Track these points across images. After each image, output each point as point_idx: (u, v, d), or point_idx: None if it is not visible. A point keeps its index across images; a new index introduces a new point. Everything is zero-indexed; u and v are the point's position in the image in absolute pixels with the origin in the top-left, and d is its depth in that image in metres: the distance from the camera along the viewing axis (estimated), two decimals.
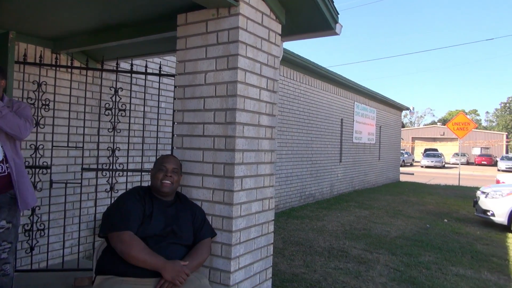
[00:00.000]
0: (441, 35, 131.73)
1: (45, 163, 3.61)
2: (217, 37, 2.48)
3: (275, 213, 7.42)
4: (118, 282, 1.90)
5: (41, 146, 3.68)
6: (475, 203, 8.41)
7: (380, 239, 6.25)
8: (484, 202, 7.91)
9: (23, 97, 3.57)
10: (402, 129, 20.54)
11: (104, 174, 3.85)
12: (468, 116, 17.66)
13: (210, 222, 2.38)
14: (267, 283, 2.71)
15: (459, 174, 17.97)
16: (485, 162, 40.16)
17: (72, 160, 4.07)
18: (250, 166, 2.50)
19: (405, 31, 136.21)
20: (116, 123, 3.82)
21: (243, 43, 2.42)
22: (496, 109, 73.62)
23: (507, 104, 68.44)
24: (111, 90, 4.07)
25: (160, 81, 4.03)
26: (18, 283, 3.12)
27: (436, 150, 41.31)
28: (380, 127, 15.34)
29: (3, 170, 2.43)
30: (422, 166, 34.76)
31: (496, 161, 37.87)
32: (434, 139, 50.11)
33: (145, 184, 4.45)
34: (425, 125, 68.11)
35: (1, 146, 2.43)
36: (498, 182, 11.37)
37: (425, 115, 78.61)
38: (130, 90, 3.92)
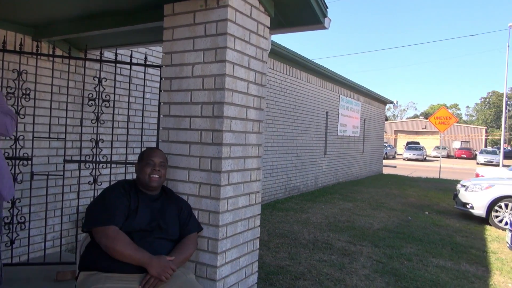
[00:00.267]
0: (425, 31, 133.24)
1: (25, 154, 3.52)
2: (205, 29, 2.43)
3: None
4: (103, 278, 1.87)
5: (21, 137, 3.58)
6: (455, 196, 8.60)
7: (364, 231, 6.34)
8: (464, 195, 8.09)
9: (2, 86, 3.46)
10: (385, 122, 20.78)
11: (87, 166, 3.77)
12: (449, 110, 17.95)
13: (197, 217, 2.36)
14: (253, 277, 2.71)
15: (440, 167, 18.34)
16: (464, 156, 41.08)
17: (53, 152, 3.98)
18: (238, 160, 2.48)
19: (390, 26, 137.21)
20: (99, 114, 3.74)
21: (231, 36, 2.39)
22: (476, 104, 75.23)
23: (487, 99, 69.94)
24: (94, 80, 3.98)
25: (146, 72, 3.95)
26: None
27: (418, 143, 42.01)
28: (364, 120, 15.49)
29: None
30: (404, 159, 35.33)
31: (475, 154, 38.77)
32: (416, 132, 50.94)
33: (129, 176, 4.42)
34: (407, 118, 69.14)
35: None
36: (477, 175, 11.64)
37: (408, 108, 79.90)
38: (115, 80, 3.83)
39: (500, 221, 7.46)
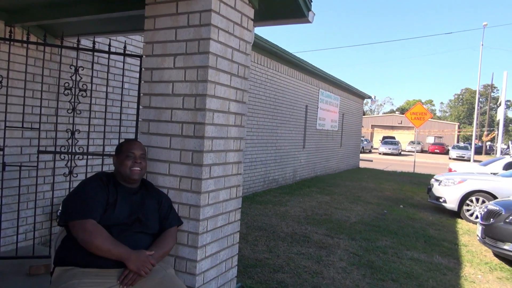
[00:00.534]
0: (404, 28, 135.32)
1: None
2: (188, 19, 2.38)
3: None
4: (79, 274, 1.82)
5: None
6: (429, 190, 8.84)
7: (341, 224, 6.44)
8: (437, 189, 8.33)
9: None
10: (362, 116, 21.09)
11: (62, 157, 3.67)
12: (424, 106, 18.36)
13: (177, 211, 2.33)
14: (233, 271, 2.70)
15: (414, 162, 18.79)
16: (438, 151, 42.21)
17: (27, 142, 3.84)
18: (219, 154, 2.46)
19: (369, 22, 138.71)
20: (76, 104, 3.62)
21: (215, 27, 2.34)
22: (450, 100, 77.28)
23: (460, 96, 71.91)
24: (71, 68, 3.85)
25: (124, 61, 3.85)
26: None
27: (393, 138, 42.87)
28: (343, 114, 15.66)
29: None
30: (380, 153, 36.00)
31: (448, 149, 39.90)
32: (392, 127, 51.92)
33: (106, 168, 4.32)
34: (384, 113, 70.35)
35: None
36: (450, 170, 11.99)
37: (384, 103, 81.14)
38: (92, 69, 3.72)
39: (471, 215, 7.72)
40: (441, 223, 7.23)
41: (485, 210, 5.56)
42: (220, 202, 2.50)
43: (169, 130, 2.42)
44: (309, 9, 3.03)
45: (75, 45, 3.59)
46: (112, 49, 4.43)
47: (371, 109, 76.71)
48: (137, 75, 4.96)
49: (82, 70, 3.87)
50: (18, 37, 3.74)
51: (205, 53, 2.32)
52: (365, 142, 36.78)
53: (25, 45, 3.67)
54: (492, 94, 49.30)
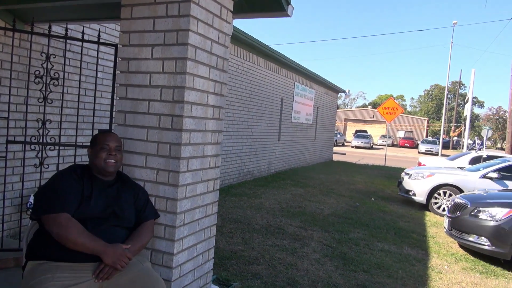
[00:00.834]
0: (376, 23, 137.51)
1: None
2: (166, 9, 2.34)
3: None
4: (53, 268, 1.78)
5: None
6: (399, 183, 9.10)
7: (314, 216, 6.54)
8: (407, 183, 8.59)
9: None
10: (336, 110, 21.38)
11: (33, 147, 3.54)
12: (396, 101, 18.83)
13: (153, 204, 2.30)
14: (209, 263, 2.71)
15: (385, 155, 19.26)
16: (407, 145, 43.43)
17: None
18: (197, 146, 2.44)
19: (342, 16, 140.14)
20: (47, 93, 3.50)
21: (194, 18, 2.31)
22: (420, 96, 79.36)
23: (430, 92, 73.98)
24: (42, 56, 3.71)
25: (98, 50, 3.74)
26: None
27: (365, 131, 43.75)
28: (317, 108, 15.83)
29: None
30: (352, 146, 36.69)
31: (417, 144, 41.12)
32: (364, 121, 52.93)
33: (78, 159, 4.21)
34: (357, 107, 71.59)
35: None
36: (420, 164, 12.35)
37: (357, 98, 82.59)
38: (64, 57, 3.60)
39: (439, 208, 8.02)
40: (410, 216, 7.47)
41: (452, 203, 5.79)
42: (198, 195, 2.49)
43: (146, 122, 2.38)
44: (288, 3, 3.03)
45: (46, 32, 3.45)
46: (85, 37, 4.29)
47: (344, 103, 77.88)
48: (111, 64, 4.84)
49: (53, 58, 3.74)
50: None
51: (184, 44, 2.29)
52: (338, 136, 37.36)
53: None
54: (460, 90, 50.99)
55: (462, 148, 28.52)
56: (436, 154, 28.35)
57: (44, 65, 3.42)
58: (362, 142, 36.70)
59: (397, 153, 32.24)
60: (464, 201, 5.52)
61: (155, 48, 2.37)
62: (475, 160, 11.03)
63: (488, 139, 26.29)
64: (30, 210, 3.73)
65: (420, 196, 8.25)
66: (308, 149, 15.26)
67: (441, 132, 28.79)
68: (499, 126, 53.65)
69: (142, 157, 2.38)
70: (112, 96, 3.56)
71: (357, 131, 43.70)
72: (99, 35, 3.54)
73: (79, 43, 4.15)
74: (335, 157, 20.45)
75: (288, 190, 8.96)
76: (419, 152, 34.21)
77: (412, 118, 55.22)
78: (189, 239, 2.43)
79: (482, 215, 5.14)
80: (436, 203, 8.10)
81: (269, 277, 3.80)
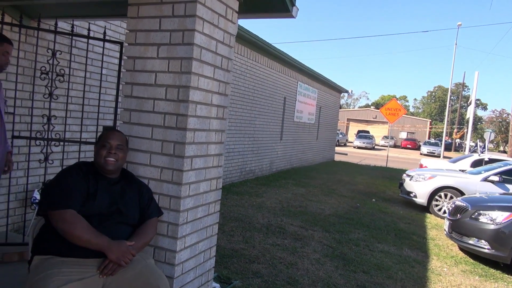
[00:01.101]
0: (380, 23, 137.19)
1: None
2: (172, 9, 2.36)
3: None
4: (59, 263, 1.81)
5: None
6: (401, 184, 9.11)
7: (315, 216, 6.57)
8: (409, 184, 8.60)
9: None
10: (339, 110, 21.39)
11: (38, 143, 3.58)
12: (398, 102, 18.81)
13: (157, 201, 2.33)
14: (211, 261, 2.74)
15: (387, 156, 19.25)
16: (410, 146, 43.39)
17: None
18: (201, 146, 2.47)
19: (346, 16, 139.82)
20: (53, 89, 3.54)
21: (200, 18, 2.33)
22: (423, 97, 79.21)
23: (433, 93, 73.83)
24: (48, 52, 3.74)
25: (104, 47, 3.77)
26: None
27: (368, 132, 43.73)
28: (320, 107, 15.84)
29: None
30: (354, 147, 36.68)
31: (420, 145, 41.07)
32: (367, 122, 52.87)
33: (83, 155, 4.24)
34: (359, 107, 71.49)
35: None
36: (421, 166, 12.36)
37: (360, 98, 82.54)
38: (70, 54, 3.64)
39: (439, 210, 8.03)
40: (411, 217, 7.49)
41: (453, 205, 5.80)
42: (201, 194, 2.51)
43: (151, 120, 2.40)
44: (293, 4, 3.05)
45: (53, 28, 3.48)
46: (91, 34, 4.32)
47: (347, 103, 77.81)
48: (115, 60, 4.87)
49: (60, 54, 3.77)
50: None
51: (190, 44, 2.31)
52: (340, 136, 37.35)
53: None
54: (463, 92, 50.88)
55: (464, 151, 28.47)
56: (438, 156, 28.34)
57: (50, 61, 3.45)
58: (364, 143, 36.68)
59: (399, 154, 32.20)
60: (464, 204, 5.53)
61: (161, 48, 2.39)
62: (476, 163, 11.03)
63: (491, 141, 26.23)
64: (34, 205, 3.77)
65: (421, 198, 8.26)
66: (310, 149, 15.28)
67: (444, 134, 28.77)
68: (502, 128, 53.46)
69: (147, 155, 2.40)
70: (117, 93, 3.59)
71: (359, 132, 43.66)
72: (104, 32, 3.56)
73: (84, 40, 4.18)
74: (337, 157, 20.46)
75: (290, 190, 8.98)
76: (421, 154, 34.18)
77: (414, 119, 55.14)
78: (191, 237, 2.45)
79: (482, 218, 5.15)
80: (437, 205, 8.11)
81: (269, 276, 3.83)
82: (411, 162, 22.83)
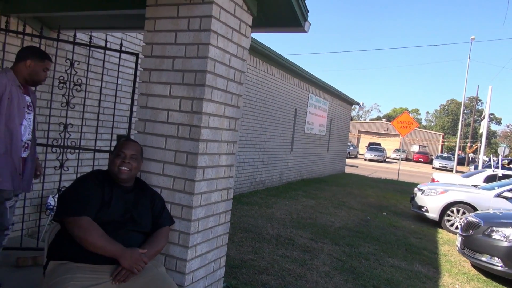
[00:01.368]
0: (394, 36, 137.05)
1: None
2: (188, 24, 2.43)
3: None
4: (73, 268, 1.85)
5: None
6: (412, 198, 9.02)
7: (325, 229, 6.54)
8: (420, 199, 8.51)
9: None
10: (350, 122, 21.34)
11: (54, 150, 3.66)
12: (410, 115, 18.71)
13: (169, 210, 2.37)
14: (221, 271, 2.76)
15: (399, 169, 19.08)
16: (422, 160, 42.92)
17: None
18: (213, 156, 2.51)
19: (361, 29, 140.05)
20: (70, 98, 3.63)
21: (215, 33, 2.40)
22: (436, 110, 78.50)
23: (446, 107, 73.15)
24: (66, 62, 3.85)
25: (120, 57, 3.87)
26: None
27: (379, 144, 43.40)
28: (331, 119, 15.83)
29: None
30: (365, 159, 36.41)
31: (432, 159, 40.59)
32: (378, 134, 52.54)
33: (96, 162, 4.33)
34: (371, 119, 71.15)
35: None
36: (433, 180, 12.22)
37: (371, 110, 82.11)
38: (88, 64, 3.73)
39: (451, 225, 7.92)
40: (422, 232, 7.40)
41: (465, 221, 5.73)
42: (212, 204, 2.55)
43: (165, 131, 2.46)
44: (305, 19, 3.10)
45: (71, 39, 3.59)
46: (108, 45, 4.43)
47: (358, 115, 77.51)
48: (130, 71, 4.98)
49: (77, 64, 3.88)
50: (13, 27, 3.72)
51: (204, 57, 2.37)
52: (351, 148, 37.16)
53: (20, 35, 3.66)
54: (477, 106, 50.32)
55: (476, 165, 28.06)
56: (451, 170, 27.97)
57: (68, 71, 3.55)
58: (375, 155, 36.41)
59: (411, 167, 31.88)
60: (477, 220, 5.46)
61: (176, 60, 2.46)
62: (490, 178, 10.87)
63: (505, 156, 25.81)
64: (49, 211, 3.85)
65: (433, 213, 8.16)
66: (321, 161, 15.24)
67: (457, 148, 28.42)
68: None
69: (160, 165, 2.46)
70: (132, 102, 3.67)
71: (370, 144, 43.38)
72: (121, 43, 3.66)
73: (100, 50, 4.29)
74: (347, 170, 20.34)
75: (300, 201, 8.96)
76: (433, 168, 33.78)
77: (427, 132, 54.63)
78: (202, 246, 2.48)
79: (495, 235, 5.07)
80: (449, 221, 8.00)
81: None
82: (423, 176, 22.58)
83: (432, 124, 77.14)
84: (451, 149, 55.55)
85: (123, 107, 4.98)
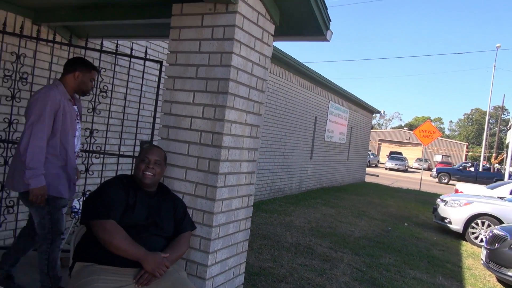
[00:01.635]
0: (416, 44, 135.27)
1: (18, 139, 3.49)
2: (212, 33, 2.48)
3: None
4: (98, 270, 1.90)
5: (15, 121, 3.55)
6: (435, 209, 8.82)
7: (345, 238, 6.46)
8: (443, 210, 8.31)
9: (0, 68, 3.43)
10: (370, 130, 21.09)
11: (80, 154, 3.76)
12: (433, 124, 18.35)
13: (191, 216, 2.41)
14: (240, 278, 2.77)
15: (421, 179, 18.71)
16: None
17: None
18: (234, 163, 2.54)
19: (383, 37, 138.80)
20: (96, 104, 3.74)
21: (238, 42, 2.44)
22: (460, 120, 76.84)
23: (470, 116, 71.49)
24: None
25: (145, 65, 3.97)
26: None
27: (400, 153, 42.69)
28: (351, 127, 15.70)
29: None
30: (386, 168, 35.85)
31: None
32: (399, 143, 51.72)
33: (120, 167, 4.42)
34: (392, 128, 70.17)
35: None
36: (457, 191, 11.92)
37: (393, 118, 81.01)
38: (114, 71, 3.84)
39: (476, 238, 7.69)
40: (445, 244, 7.22)
41: (491, 234, 5.56)
42: (233, 210, 2.57)
43: (188, 137, 2.50)
44: (327, 28, 3.12)
45: (99, 47, 3.70)
46: (133, 52, 4.55)
47: (379, 123, 76.55)
48: (154, 78, 5.09)
49: (104, 71, 3.99)
50: (43, 35, 3.87)
51: (227, 66, 2.41)
52: (371, 156, 36.67)
53: (50, 43, 3.80)
54: (502, 116, 48.98)
55: (499, 176, 27.25)
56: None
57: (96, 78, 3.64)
58: (396, 165, 35.81)
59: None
60: (503, 233, 5.29)
61: (200, 68, 2.51)
62: None
63: None
64: (74, 214, 3.95)
65: (456, 225, 7.95)
66: (340, 169, 15.10)
67: (481, 158, 27.70)
68: None
69: (182, 171, 2.50)
70: (155, 109, 3.75)
71: (391, 153, 42.70)
72: (146, 51, 3.75)
73: (125, 58, 4.41)
74: (368, 179, 20.07)
75: (319, 210, 8.89)
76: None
77: (450, 142, 53.42)
78: (222, 252, 2.50)
79: None
80: (473, 233, 7.78)
81: None
82: (446, 187, 22.06)
83: (456, 133, 75.46)
84: (475, 159, 54.11)
85: (146, 113, 5.08)
